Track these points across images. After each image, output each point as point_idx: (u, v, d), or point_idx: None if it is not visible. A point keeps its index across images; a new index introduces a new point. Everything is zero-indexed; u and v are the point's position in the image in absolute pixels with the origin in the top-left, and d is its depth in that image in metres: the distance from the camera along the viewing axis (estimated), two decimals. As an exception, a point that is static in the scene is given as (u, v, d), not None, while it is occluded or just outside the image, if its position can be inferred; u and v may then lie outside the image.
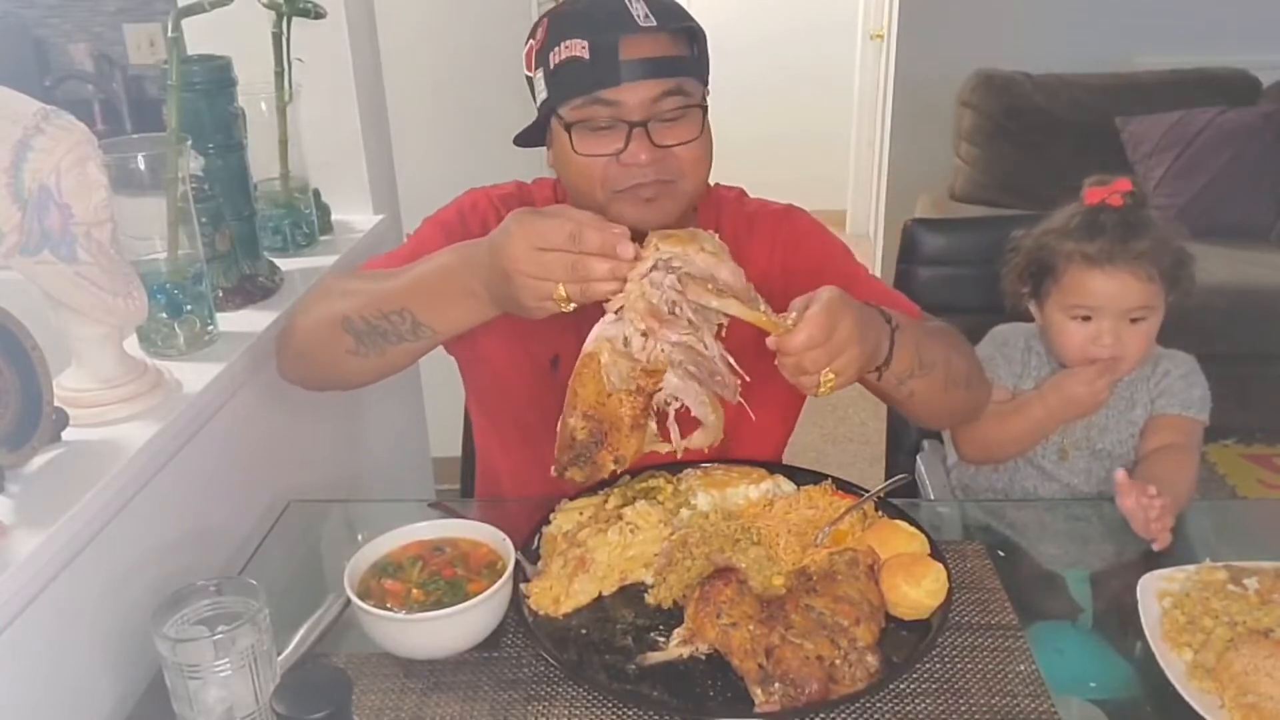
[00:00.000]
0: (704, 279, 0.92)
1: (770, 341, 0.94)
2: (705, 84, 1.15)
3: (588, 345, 0.96)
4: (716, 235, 0.96)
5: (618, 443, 0.95)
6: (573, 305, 0.94)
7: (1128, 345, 1.35)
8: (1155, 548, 1.14)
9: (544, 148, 1.20)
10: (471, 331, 1.15)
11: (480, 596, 0.96)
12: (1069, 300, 1.36)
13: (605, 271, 0.92)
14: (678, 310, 0.92)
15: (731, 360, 0.97)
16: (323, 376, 1.22)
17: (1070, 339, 1.37)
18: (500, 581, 0.98)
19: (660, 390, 0.95)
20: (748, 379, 0.97)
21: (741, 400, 0.99)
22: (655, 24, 1.08)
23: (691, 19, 1.14)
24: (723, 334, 0.96)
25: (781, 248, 1.27)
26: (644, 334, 0.93)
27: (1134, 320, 1.35)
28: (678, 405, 0.98)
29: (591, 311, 1.02)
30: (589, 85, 1.08)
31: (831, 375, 0.94)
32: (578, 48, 1.07)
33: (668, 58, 1.09)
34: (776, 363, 0.95)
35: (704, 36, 1.14)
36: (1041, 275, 1.40)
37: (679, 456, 1.02)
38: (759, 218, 1.30)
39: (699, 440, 1.01)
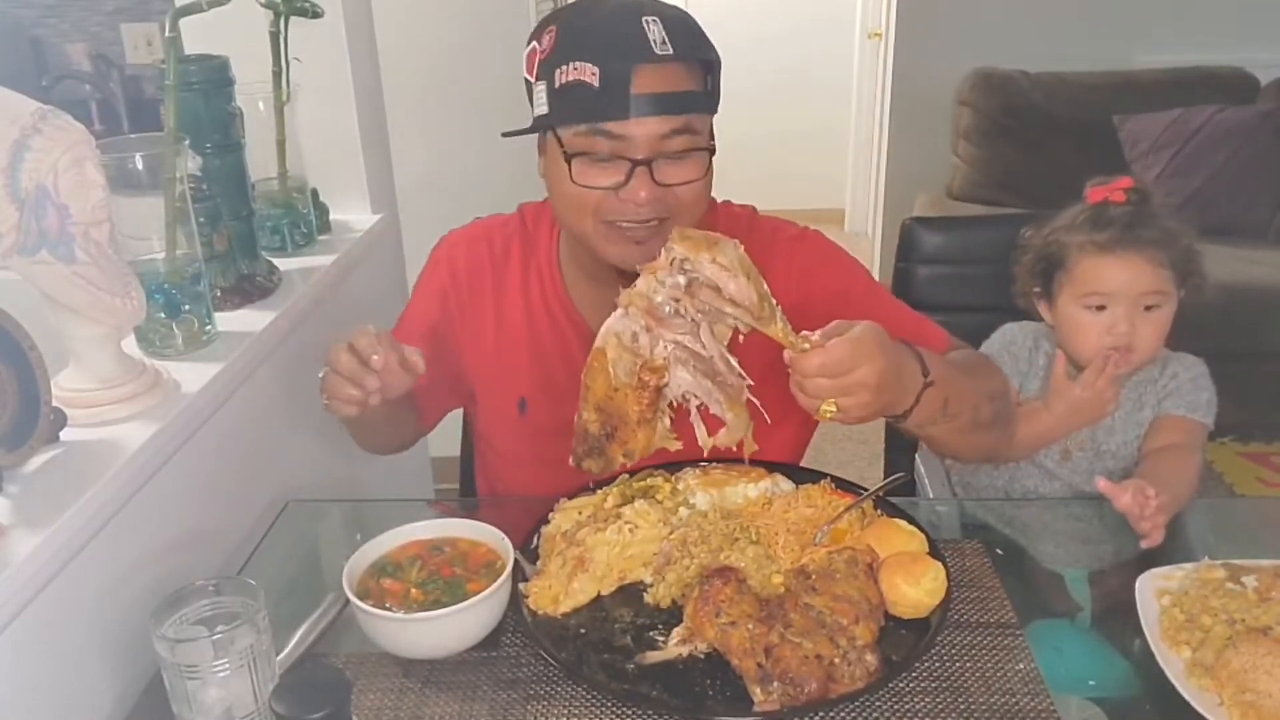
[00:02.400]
0: (713, 288, 0.92)
1: (786, 357, 0.94)
2: (714, 114, 1.11)
3: (598, 340, 0.98)
4: (740, 246, 0.94)
5: (626, 436, 0.98)
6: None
7: (1142, 334, 1.35)
8: (1144, 545, 1.13)
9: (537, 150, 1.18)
10: (452, 376, 1.30)
11: (479, 596, 0.96)
12: (1082, 290, 1.36)
13: (346, 392, 1.05)
14: (682, 311, 0.93)
15: (733, 360, 0.96)
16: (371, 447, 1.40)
17: (1085, 331, 1.37)
18: (499, 581, 0.98)
19: (666, 385, 0.96)
20: (750, 381, 0.97)
21: (754, 399, 0.99)
22: (671, 52, 1.03)
23: (710, 48, 1.09)
24: (739, 339, 0.96)
25: (798, 275, 1.23)
26: (647, 329, 0.94)
27: (1147, 309, 1.35)
28: (698, 403, 0.98)
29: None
30: (595, 115, 1.04)
31: (833, 408, 0.94)
32: (587, 73, 1.02)
33: (679, 93, 1.04)
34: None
35: (719, 66, 1.09)
36: (1052, 271, 1.41)
37: (705, 454, 1.01)
38: (775, 243, 1.25)
39: (724, 439, 1.00)
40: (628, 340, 0.95)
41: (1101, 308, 1.35)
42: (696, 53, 1.06)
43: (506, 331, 1.27)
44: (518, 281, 1.27)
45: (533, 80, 1.10)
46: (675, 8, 1.09)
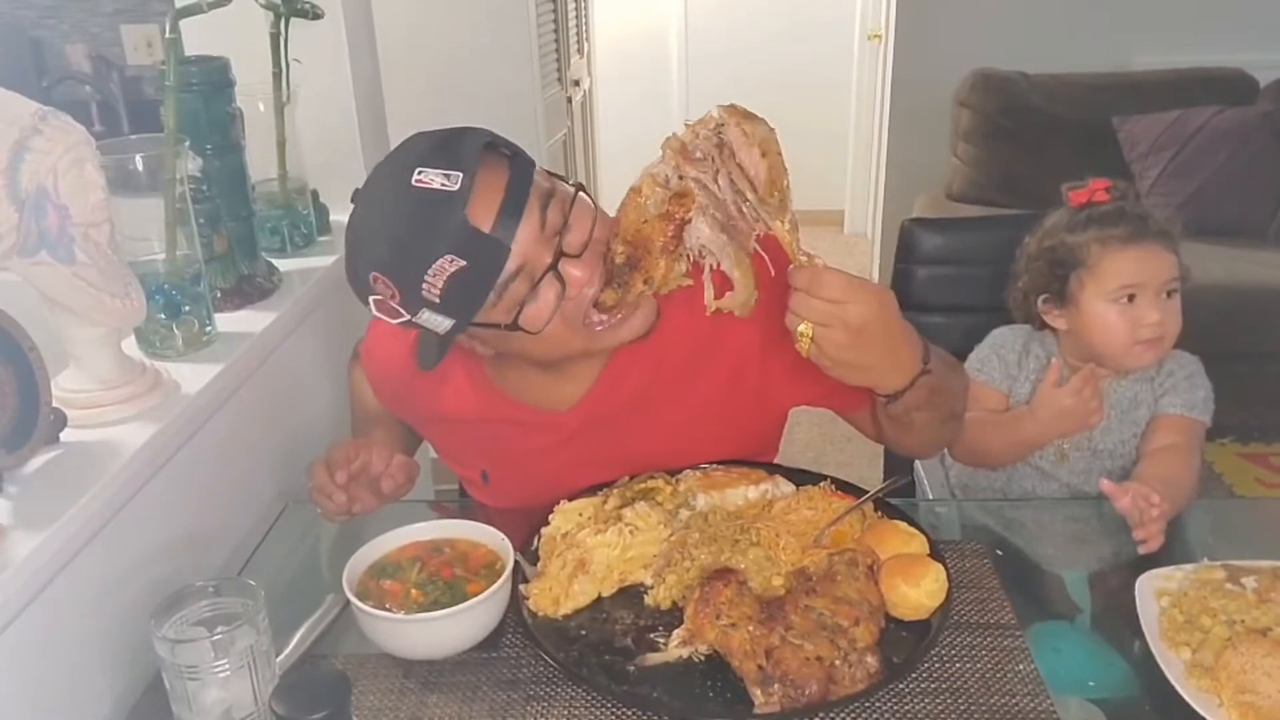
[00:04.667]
0: (730, 151, 0.95)
1: (789, 271, 0.95)
2: (535, 163, 1.03)
3: (635, 182, 1.00)
4: (775, 132, 0.95)
5: (649, 265, 0.99)
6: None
7: (1169, 320, 1.36)
8: (1142, 550, 1.13)
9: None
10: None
11: (479, 597, 0.96)
12: (1112, 284, 1.37)
13: (323, 504, 1.12)
14: (710, 160, 0.96)
15: (745, 208, 0.97)
16: None
17: (1115, 326, 1.37)
18: (499, 582, 0.98)
19: (689, 222, 0.97)
20: (759, 230, 0.98)
21: (761, 252, 0.99)
22: (462, 173, 0.95)
23: (466, 132, 1.01)
24: (759, 236, 0.98)
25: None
26: (678, 174, 0.97)
27: (1169, 295, 1.37)
28: (714, 260, 0.99)
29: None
30: (490, 278, 0.97)
31: (809, 335, 0.93)
32: (448, 265, 0.94)
33: (507, 189, 0.98)
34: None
35: (491, 134, 1.02)
36: (1066, 274, 1.40)
37: (709, 312, 1.01)
38: None
39: (728, 303, 1.00)
40: (661, 180, 0.98)
41: (1132, 298, 1.36)
42: (471, 150, 0.98)
43: (447, 418, 1.25)
44: (444, 374, 1.22)
45: (411, 318, 1.00)
46: (409, 142, 1.02)
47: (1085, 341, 1.41)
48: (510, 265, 0.98)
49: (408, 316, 1.00)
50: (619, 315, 1.05)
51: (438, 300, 0.97)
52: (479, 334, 1.06)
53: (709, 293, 0.99)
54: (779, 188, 0.95)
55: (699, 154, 0.96)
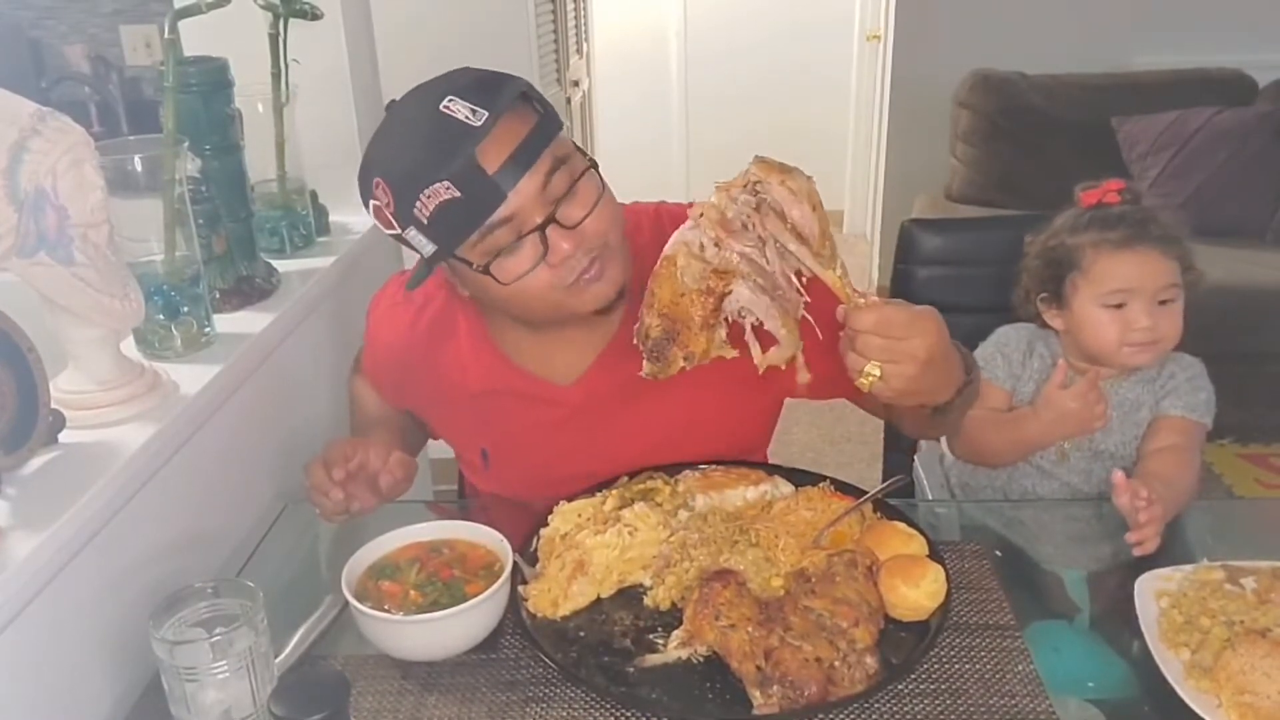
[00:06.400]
0: (779, 211, 0.94)
1: (839, 311, 0.95)
2: (561, 128, 1.05)
3: (667, 249, 1.00)
4: (812, 180, 0.95)
5: (688, 340, 0.99)
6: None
7: (1162, 326, 1.36)
8: (1136, 552, 1.13)
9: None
10: (427, 425, 1.36)
11: (478, 598, 0.96)
12: (1102, 288, 1.36)
13: (321, 504, 1.11)
14: (750, 227, 0.95)
15: (794, 277, 0.97)
16: None
17: (1105, 330, 1.37)
18: (498, 583, 0.98)
19: (730, 293, 0.97)
20: (808, 299, 0.98)
21: (808, 317, 0.99)
22: (488, 113, 0.97)
23: (506, 78, 1.04)
24: (803, 280, 0.97)
25: None
26: (715, 243, 0.96)
27: (1163, 303, 1.36)
28: (754, 319, 0.98)
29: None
30: (478, 217, 0.99)
31: (877, 371, 0.93)
32: (443, 191, 0.97)
33: (524, 140, 0.99)
34: (841, 334, 0.95)
35: (527, 84, 1.05)
36: (1062, 274, 1.40)
37: (760, 371, 1.01)
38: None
39: (775, 357, 1.00)
40: (696, 249, 0.97)
41: (1120, 305, 1.36)
42: (505, 95, 1.00)
43: (450, 392, 1.25)
44: (447, 342, 1.24)
45: (400, 231, 1.03)
46: (453, 73, 1.04)
47: (1079, 341, 1.42)
48: (501, 211, 1.00)
49: (398, 229, 1.03)
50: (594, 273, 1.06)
51: (426, 222, 1.00)
52: (460, 270, 1.07)
53: (755, 349, 0.99)
54: (829, 238, 0.95)
55: (738, 224, 0.94)
